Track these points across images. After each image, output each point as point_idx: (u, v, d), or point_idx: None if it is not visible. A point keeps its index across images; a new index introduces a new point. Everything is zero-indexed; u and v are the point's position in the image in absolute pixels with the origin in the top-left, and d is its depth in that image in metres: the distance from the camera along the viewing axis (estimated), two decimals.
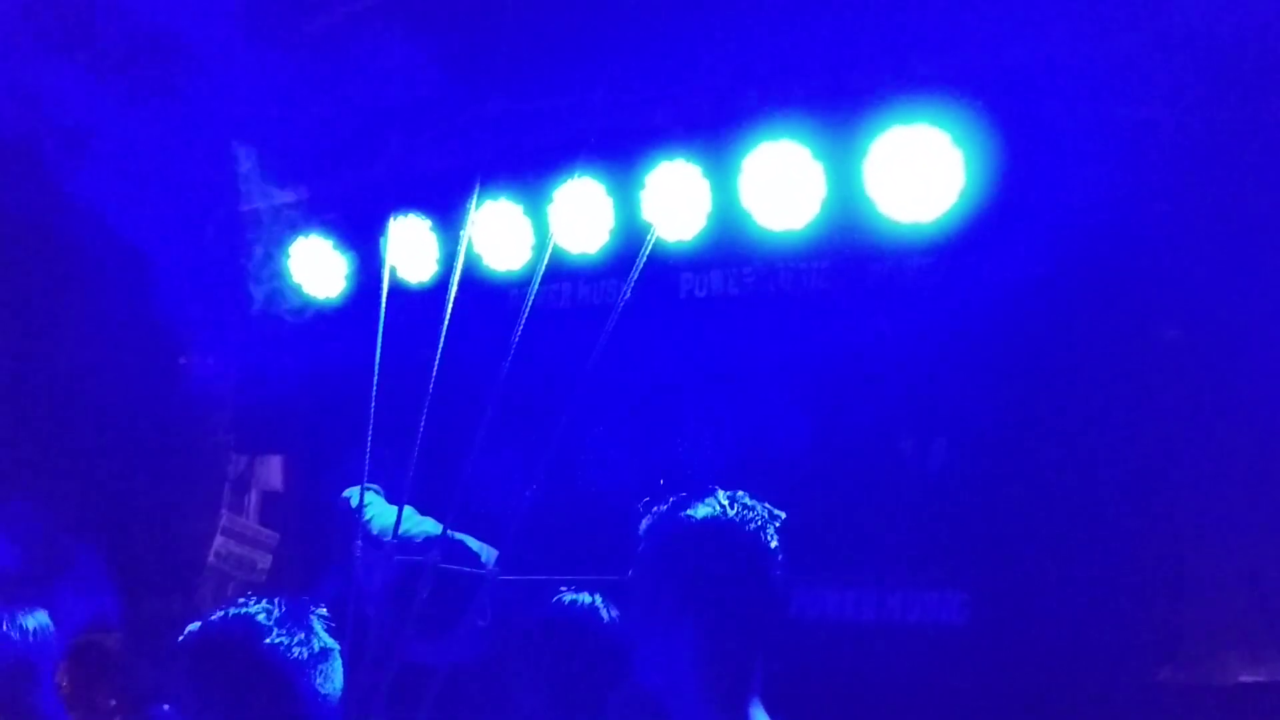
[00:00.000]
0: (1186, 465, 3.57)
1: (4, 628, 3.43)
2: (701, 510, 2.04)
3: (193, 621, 2.27)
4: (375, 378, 4.17)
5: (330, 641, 2.18)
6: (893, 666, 3.95)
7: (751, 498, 2.13)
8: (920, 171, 3.47)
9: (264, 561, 17.98)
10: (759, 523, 2.05)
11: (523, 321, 3.84)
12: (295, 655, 2.09)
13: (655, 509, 2.16)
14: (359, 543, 3.70)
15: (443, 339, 4.03)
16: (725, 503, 2.07)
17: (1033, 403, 3.75)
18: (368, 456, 4.02)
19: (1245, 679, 3.50)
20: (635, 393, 4.42)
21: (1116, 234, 3.88)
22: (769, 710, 2.05)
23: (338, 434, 5.21)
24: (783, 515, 2.09)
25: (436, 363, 3.99)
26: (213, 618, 2.16)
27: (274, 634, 2.09)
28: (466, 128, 4.61)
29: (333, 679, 2.15)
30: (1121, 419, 3.72)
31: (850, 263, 3.93)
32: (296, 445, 6.11)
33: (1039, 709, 3.76)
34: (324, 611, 2.24)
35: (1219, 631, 3.48)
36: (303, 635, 2.12)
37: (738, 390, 4.25)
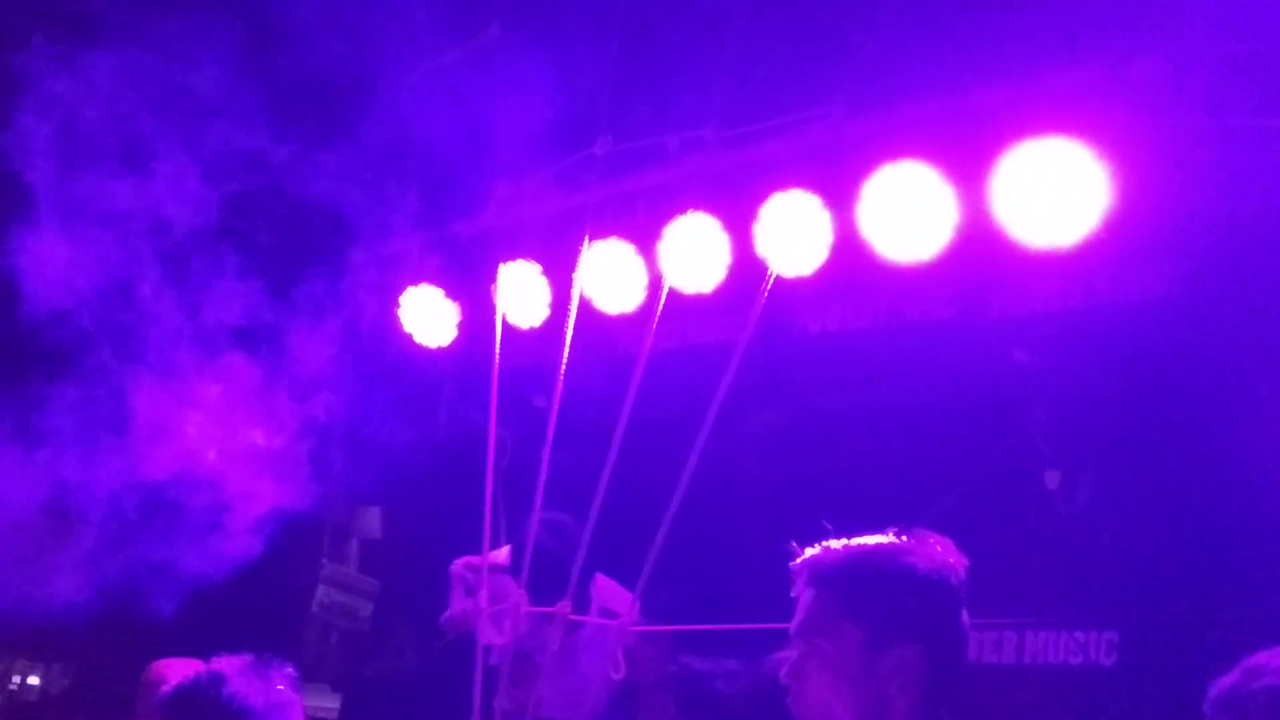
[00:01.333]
0: None
1: None
2: (904, 558, 1.94)
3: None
4: (492, 428, 4.12)
5: (288, 695, 2.53)
6: (1034, 712, 3.77)
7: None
8: (1055, 190, 3.32)
9: (365, 609, 18.06)
10: (955, 568, 1.94)
11: (643, 362, 3.76)
12: (251, 704, 2.45)
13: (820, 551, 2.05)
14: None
15: (560, 384, 3.96)
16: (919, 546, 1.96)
17: (1182, 433, 3.56)
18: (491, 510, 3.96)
19: None
20: (757, 433, 4.31)
21: (1264, 254, 3.70)
22: None
23: (451, 485, 5.19)
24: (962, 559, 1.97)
25: (554, 410, 3.93)
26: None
27: (233, 684, 2.45)
28: (575, 170, 4.56)
29: None
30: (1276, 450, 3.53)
31: (980, 291, 3.79)
32: (402, 495, 6.08)
33: None
34: (289, 670, 2.59)
35: None
36: (261, 686, 2.48)
37: (867, 428, 4.12)
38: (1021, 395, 3.66)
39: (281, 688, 2.54)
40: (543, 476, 3.80)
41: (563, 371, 4.00)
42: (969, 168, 3.49)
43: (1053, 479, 3.48)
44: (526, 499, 3.90)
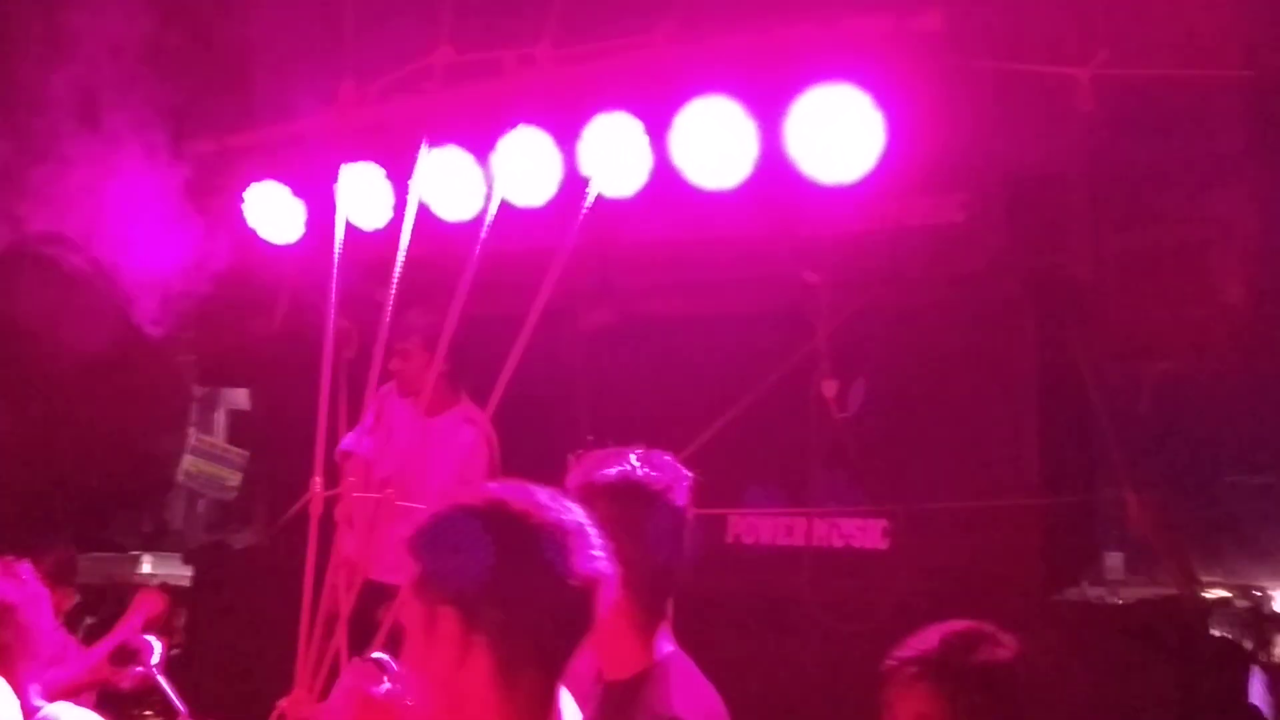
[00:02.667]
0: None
1: None
2: (613, 470, 2.28)
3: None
4: (331, 321, 4.39)
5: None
6: (819, 585, 4.28)
7: (663, 458, 2.34)
8: (840, 131, 3.69)
9: (233, 479, 18.25)
10: (665, 482, 2.29)
11: (473, 266, 4.06)
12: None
13: (577, 464, 2.40)
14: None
15: (395, 281, 4.25)
16: (636, 463, 2.30)
17: (942, 348, 4.05)
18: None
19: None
20: (584, 332, 4.66)
21: (1030, 186, 4.16)
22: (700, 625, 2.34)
23: (302, 367, 5.45)
24: (690, 475, 2.33)
25: (390, 305, 4.22)
26: None
27: None
28: (415, 78, 4.74)
29: None
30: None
31: (778, 214, 4.17)
32: (261, 377, 6.30)
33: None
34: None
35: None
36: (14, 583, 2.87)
37: (676, 332, 4.50)
38: (809, 311, 4.08)
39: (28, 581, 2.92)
40: (375, 371, 4.12)
41: (397, 273, 4.28)
42: (769, 105, 3.83)
43: (830, 388, 3.93)
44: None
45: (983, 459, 4.07)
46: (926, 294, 4.19)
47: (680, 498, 2.29)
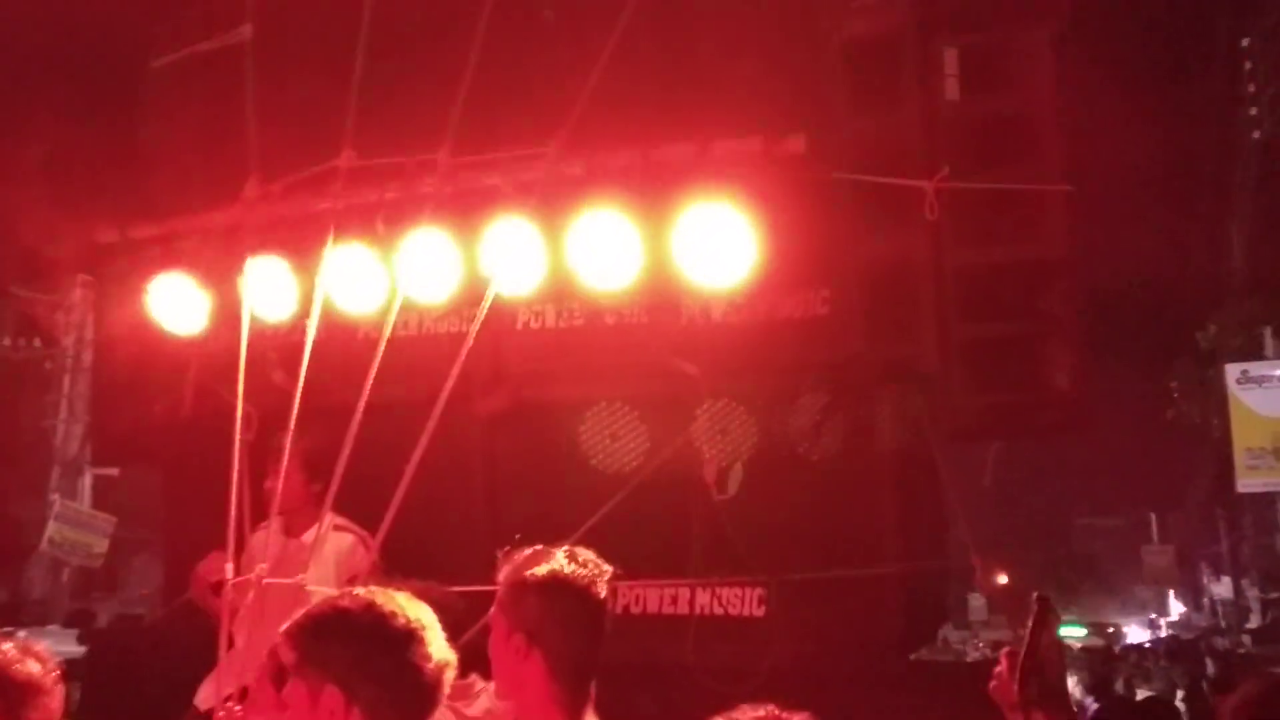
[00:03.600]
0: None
1: None
2: (543, 569, 2.62)
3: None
4: (239, 409, 4.63)
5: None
6: (702, 650, 4.65)
7: (586, 555, 2.69)
8: (719, 242, 4.13)
9: (100, 545, 17.94)
10: (589, 578, 2.63)
11: (379, 353, 4.38)
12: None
13: (505, 561, 2.73)
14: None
15: (303, 372, 4.52)
16: (564, 560, 2.64)
17: (810, 441, 4.51)
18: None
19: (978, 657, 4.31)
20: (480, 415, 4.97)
21: (884, 283, 4.67)
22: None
23: (202, 448, 5.63)
24: (610, 569, 2.68)
25: (297, 395, 4.49)
26: None
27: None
28: (320, 178, 5.03)
29: None
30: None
31: (662, 307, 4.59)
32: (164, 457, 6.43)
33: (825, 684, 4.54)
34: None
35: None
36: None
37: (570, 414, 4.86)
38: (690, 400, 4.49)
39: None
40: (286, 449, 4.38)
41: (305, 362, 4.57)
42: (654, 215, 4.25)
43: (710, 472, 4.34)
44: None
45: (847, 531, 4.52)
46: (795, 381, 4.64)
47: (602, 590, 2.64)
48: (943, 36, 4.75)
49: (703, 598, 4.64)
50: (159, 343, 5.49)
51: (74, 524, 17.74)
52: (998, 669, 2.34)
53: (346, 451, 4.32)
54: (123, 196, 5.73)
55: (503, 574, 2.68)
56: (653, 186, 4.26)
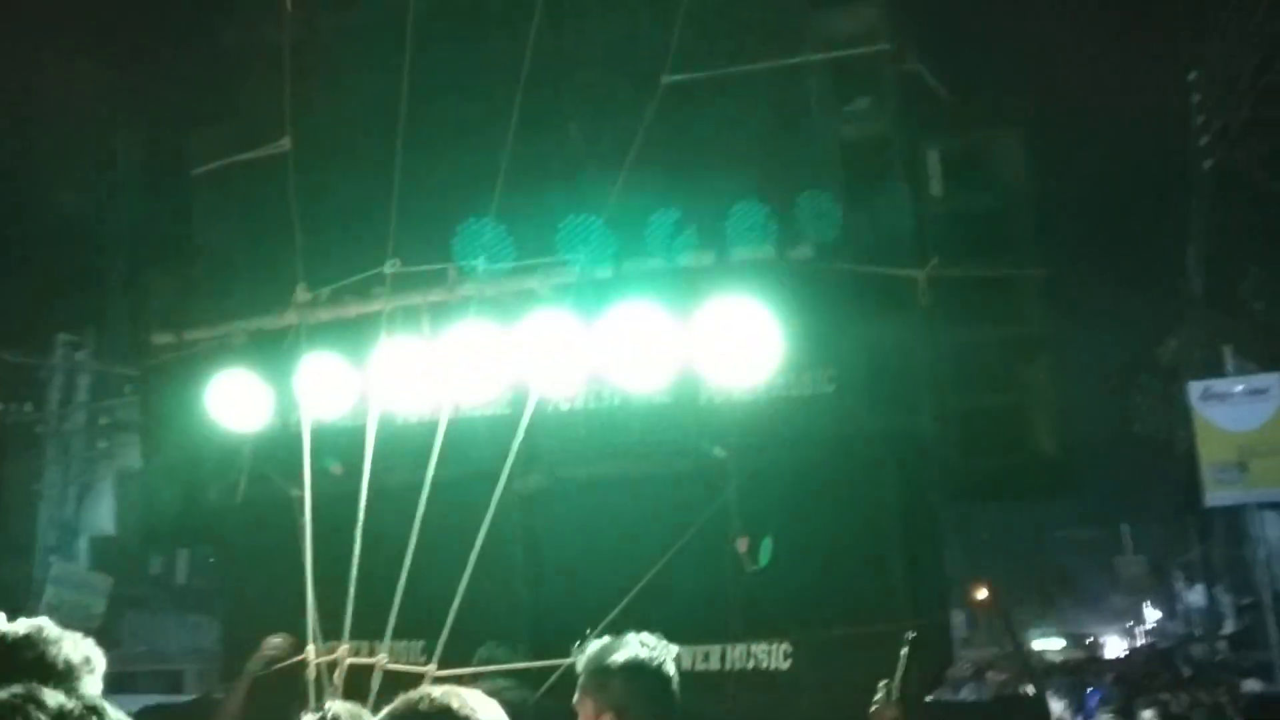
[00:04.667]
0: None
1: None
2: (625, 654, 3.11)
3: None
4: (307, 500, 5.10)
5: None
6: (735, 703, 5.14)
7: (652, 637, 3.19)
8: (746, 336, 4.65)
9: (99, 606, 18.35)
10: (662, 658, 3.14)
11: (436, 447, 4.88)
12: None
13: (582, 651, 3.20)
14: None
15: (367, 465, 5.01)
16: (640, 644, 3.15)
17: (831, 501, 5.03)
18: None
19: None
20: (520, 493, 5.43)
21: (885, 364, 5.20)
22: None
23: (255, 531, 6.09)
24: (676, 649, 3.18)
25: (364, 484, 4.98)
26: None
27: None
28: (365, 283, 5.51)
29: None
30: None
31: (692, 392, 5.10)
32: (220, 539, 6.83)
33: None
34: None
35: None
36: None
37: (606, 493, 5.35)
38: (719, 479, 5.00)
39: None
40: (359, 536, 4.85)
41: (369, 458, 5.05)
42: (681, 314, 4.77)
43: (741, 544, 4.85)
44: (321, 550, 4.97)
45: (860, 590, 5.03)
46: (808, 454, 5.15)
47: (672, 667, 3.15)
48: (926, 139, 5.31)
49: (733, 653, 5.13)
50: (214, 435, 5.94)
51: (72, 585, 17.94)
52: (876, 697, 2.85)
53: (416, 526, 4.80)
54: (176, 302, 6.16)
55: (585, 661, 3.17)
56: (680, 290, 4.77)
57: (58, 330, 19.22)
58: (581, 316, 4.95)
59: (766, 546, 4.80)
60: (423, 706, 2.58)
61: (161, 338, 5.98)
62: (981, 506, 5.45)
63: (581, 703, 3.14)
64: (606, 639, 3.19)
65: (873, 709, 2.88)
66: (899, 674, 2.80)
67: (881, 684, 2.93)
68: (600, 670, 3.10)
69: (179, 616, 20.42)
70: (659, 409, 5.27)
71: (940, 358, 5.25)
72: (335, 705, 2.78)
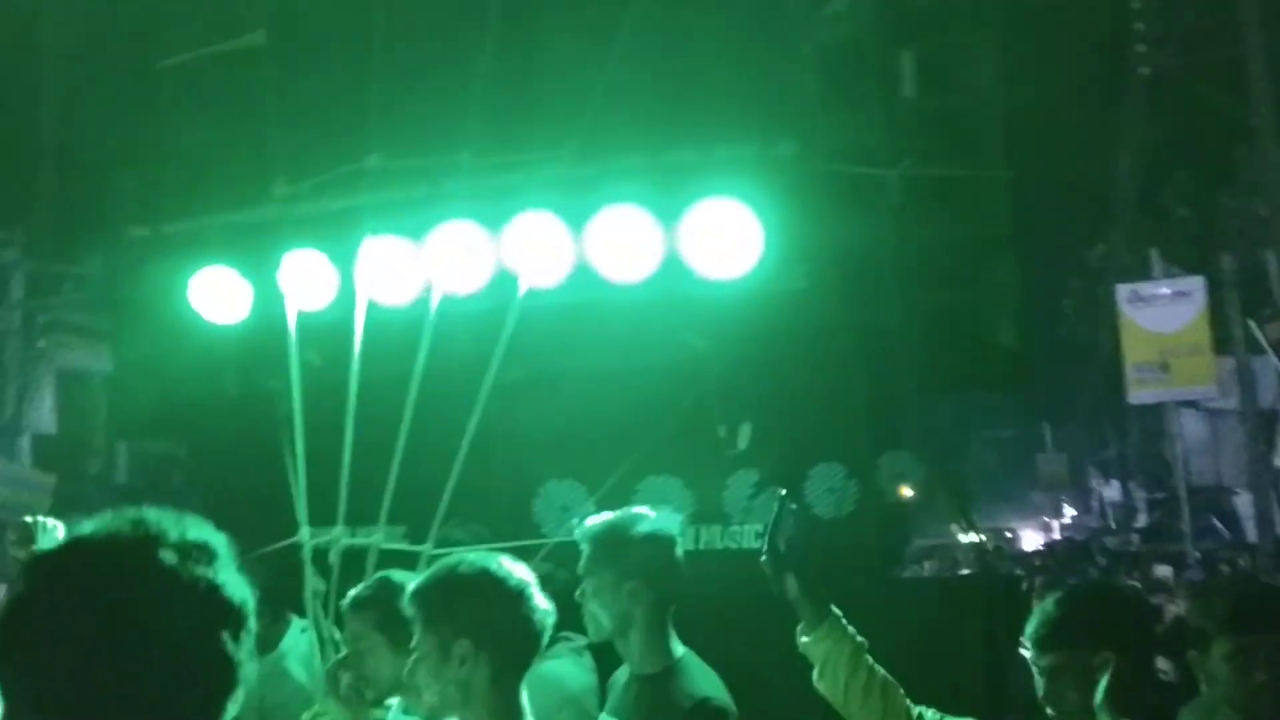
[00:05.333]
0: None
1: None
2: (644, 526, 3.32)
3: None
4: (295, 395, 5.22)
5: None
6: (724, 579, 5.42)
7: (662, 510, 3.40)
8: (729, 234, 4.82)
9: (42, 504, 18.39)
10: (674, 531, 3.35)
11: (426, 342, 5.01)
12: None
13: (596, 521, 3.38)
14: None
15: (356, 356, 5.14)
16: (655, 516, 3.36)
17: (801, 391, 5.28)
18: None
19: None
20: (522, 391, 5.58)
21: (861, 259, 5.41)
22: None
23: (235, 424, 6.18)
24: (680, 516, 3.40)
25: (354, 375, 5.11)
26: None
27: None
28: (348, 178, 5.57)
29: None
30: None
31: (671, 285, 5.27)
32: (189, 433, 6.91)
33: None
34: None
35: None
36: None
37: (589, 383, 5.54)
38: (700, 369, 5.21)
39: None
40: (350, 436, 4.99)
41: (357, 355, 5.17)
42: (666, 213, 4.92)
43: (721, 430, 5.08)
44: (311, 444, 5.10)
45: (835, 473, 5.31)
46: (784, 346, 5.37)
47: (676, 532, 3.37)
48: (900, 41, 5.47)
49: (708, 533, 5.40)
50: (191, 329, 5.98)
51: (15, 483, 17.82)
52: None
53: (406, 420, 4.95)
54: (149, 193, 6.15)
55: (598, 533, 3.33)
56: (665, 186, 4.91)
57: None
58: (566, 212, 5.08)
59: (745, 432, 5.04)
60: (462, 569, 2.78)
61: (137, 231, 5.97)
62: (940, 398, 5.77)
63: (598, 574, 3.32)
64: (614, 513, 3.38)
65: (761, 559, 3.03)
66: (770, 525, 3.00)
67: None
68: (621, 541, 3.30)
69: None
70: (642, 302, 5.42)
71: (909, 255, 5.47)
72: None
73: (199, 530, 1.47)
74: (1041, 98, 5.54)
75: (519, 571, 2.81)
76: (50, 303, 17.66)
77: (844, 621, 2.89)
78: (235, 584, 1.44)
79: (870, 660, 2.88)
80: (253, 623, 1.45)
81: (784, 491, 3.09)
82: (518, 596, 2.73)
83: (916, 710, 2.93)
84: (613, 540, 3.34)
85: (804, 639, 2.91)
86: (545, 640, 2.82)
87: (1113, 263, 21.94)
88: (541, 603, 2.78)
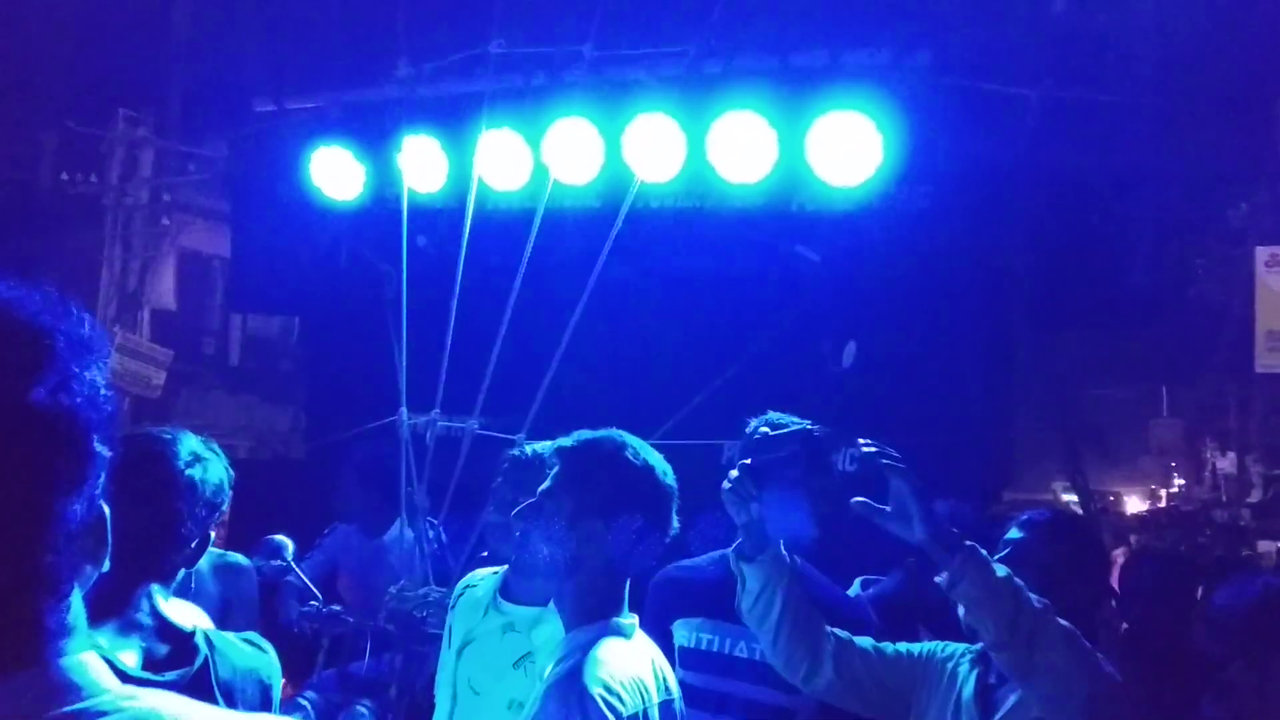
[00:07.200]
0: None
1: None
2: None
3: None
4: (404, 274, 5.21)
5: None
6: None
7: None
8: (849, 147, 4.63)
9: (158, 378, 18.93)
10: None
11: (534, 233, 4.94)
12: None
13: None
14: None
15: (465, 245, 5.10)
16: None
17: (912, 315, 5.09)
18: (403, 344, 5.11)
19: None
20: (625, 291, 5.51)
21: (982, 182, 5.18)
22: None
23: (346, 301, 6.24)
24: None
25: (461, 264, 5.07)
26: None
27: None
28: (469, 63, 5.50)
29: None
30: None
31: (791, 206, 5.12)
32: (300, 310, 7.01)
33: None
34: None
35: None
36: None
37: (697, 290, 5.44)
38: (809, 283, 5.06)
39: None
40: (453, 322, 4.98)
41: (465, 244, 5.14)
42: (789, 121, 4.75)
43: (826, 345, 4.94)
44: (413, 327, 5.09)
45: (935, 401, 5.13)
46: (899, 267, 5.19)
47: None
48: None
49: None
50: (308, 208, 6.04)
51: (134, 355, 18.50)
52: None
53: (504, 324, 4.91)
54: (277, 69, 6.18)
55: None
56: (789, 94, 4.74)
57: (119, 105, 19.21)
58: (685, 112, 4.94)
59: (851, 350, 4.89)
60: (602, 440, 2.42)
61: (262, 105, 6.01)
62: (1059, 340, 5.53)
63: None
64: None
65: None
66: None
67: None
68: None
69: (231, 396, 21.07)
70: (754, 210, 5.29)
71: (1041, 183, 5.21)
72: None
73: (196, 444, 2.16)
74: (1203, 26, 5.16)
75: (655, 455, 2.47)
76: (176, 182, 18.12)
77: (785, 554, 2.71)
78: (214, 479, 2.15)
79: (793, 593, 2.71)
80: (225, 507, 2.20)
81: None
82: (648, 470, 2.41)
83: (865, 642, 2.79)
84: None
85: (743, 565, 2.73)
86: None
87: (1255, 223, 20.86)
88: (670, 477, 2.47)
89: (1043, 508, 3.37)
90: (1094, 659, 2.44)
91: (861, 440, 2.54)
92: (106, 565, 1.13)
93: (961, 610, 2.49)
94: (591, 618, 2.31)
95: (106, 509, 1.09)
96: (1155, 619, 3.88)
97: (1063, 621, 2.39)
